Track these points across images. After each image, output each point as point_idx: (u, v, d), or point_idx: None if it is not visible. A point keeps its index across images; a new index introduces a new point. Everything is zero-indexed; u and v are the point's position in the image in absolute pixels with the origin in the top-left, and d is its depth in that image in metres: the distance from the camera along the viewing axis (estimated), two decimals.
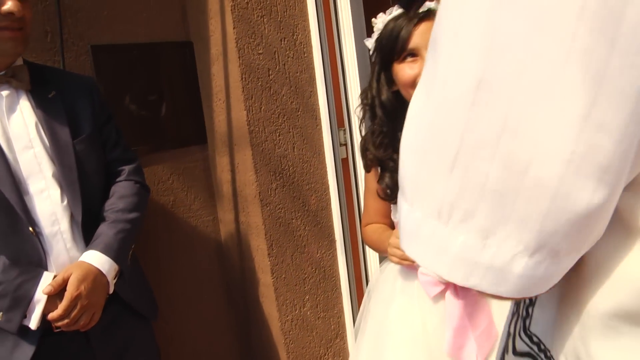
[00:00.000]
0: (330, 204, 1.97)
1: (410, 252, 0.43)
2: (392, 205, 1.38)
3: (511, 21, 0.34)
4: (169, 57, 1.76)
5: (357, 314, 2.10)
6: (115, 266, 1.27)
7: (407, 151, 0.42)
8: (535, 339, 0.54)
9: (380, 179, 1.33)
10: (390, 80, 1.29)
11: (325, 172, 1.94)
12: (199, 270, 1.92)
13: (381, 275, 1.45)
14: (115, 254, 1.27)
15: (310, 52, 1.84)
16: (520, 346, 0.56)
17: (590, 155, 0.34)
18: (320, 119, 1.90)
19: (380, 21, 1.27)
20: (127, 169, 1.39)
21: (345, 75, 1.96)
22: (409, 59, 1.22)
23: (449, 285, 1.25)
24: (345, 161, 2.02)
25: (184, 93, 1.82)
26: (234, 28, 1.60)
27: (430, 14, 1.22)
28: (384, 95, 1.29)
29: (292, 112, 1.81)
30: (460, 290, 1.25)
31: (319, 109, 1.89)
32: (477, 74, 0.36)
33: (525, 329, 0.55)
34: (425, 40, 1.19)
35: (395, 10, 1.26)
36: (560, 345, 0.49)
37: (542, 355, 0.52)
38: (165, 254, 1.80)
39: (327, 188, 1.95)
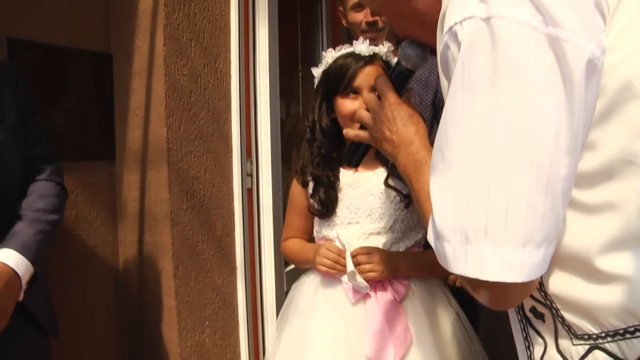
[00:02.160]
0: (234, 231, 1.99)
1: (458, 271, 0.61)
2: (316, 220, 1.48)
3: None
4: (86, 66, 1.71)
5: (252, 344, 2.10)
6: (31, 269, 1.18)
7: (439, 211, 0.64)
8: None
9: (313, 195, 1.43)
10: (331, 109, 1.43)
11: (232, 199, 1.98)
12: (91, 293, 1.80)
13: (299, 291, 1.51)
14: (33, 255, 1.18)
15: (229, 82, 1.91)
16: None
17: (551, 185, 0.58)
18: (232, 147, 1.95)
19: (330, 56, 1.42)
20: (48, 168, 1.31)
21: (257, 109, 2.06)
22: (352, 95, 1.37)
23: (368, 293, 1.36)
24: (250, 191, 2.08)
25: (97, 106, 1.77)
26: (164, 45, 1.62)
27: (375, 58, 1.38)
28: (324, 122, 1.43)
29: (207, 136, 1.84)
30: (380, 297, 1.36)
31: (231, 137, 1.95)
32: (480, 160, 0.59)
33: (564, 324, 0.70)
34: (368, 81, 1.33)
35: (345, 49, 1.41)
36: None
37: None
38: (60, 271, 1.67)
39: (233, 215, 1.98)
